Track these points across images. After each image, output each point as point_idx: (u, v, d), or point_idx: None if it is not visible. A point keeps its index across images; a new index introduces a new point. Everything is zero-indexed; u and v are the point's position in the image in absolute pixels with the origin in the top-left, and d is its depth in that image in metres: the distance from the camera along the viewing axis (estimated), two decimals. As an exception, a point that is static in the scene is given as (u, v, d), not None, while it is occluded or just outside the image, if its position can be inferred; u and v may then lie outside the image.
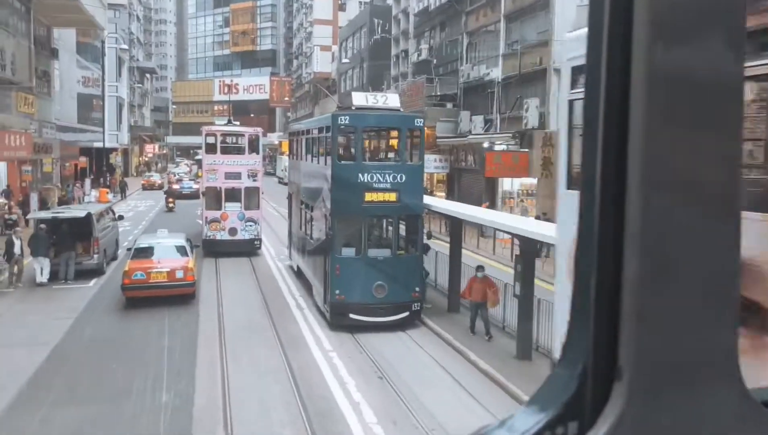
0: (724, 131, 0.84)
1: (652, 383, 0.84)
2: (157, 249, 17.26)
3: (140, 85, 75.46)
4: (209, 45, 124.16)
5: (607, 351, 0.85)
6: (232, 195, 22.85)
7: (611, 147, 0.83)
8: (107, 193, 41.52)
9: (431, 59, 38.92)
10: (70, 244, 19.26)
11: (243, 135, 24.13)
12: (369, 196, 14.32)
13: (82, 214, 19.37)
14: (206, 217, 23.17)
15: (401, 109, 15.39)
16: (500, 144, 29.67)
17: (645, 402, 0.84)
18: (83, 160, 39.45)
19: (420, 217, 15.01)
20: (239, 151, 23.91)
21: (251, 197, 23.19)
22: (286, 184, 57.66)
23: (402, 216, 14.89)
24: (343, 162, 14.74)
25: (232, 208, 22.80)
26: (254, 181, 23.20)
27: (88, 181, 38.31)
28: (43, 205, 28.91)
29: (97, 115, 54.08)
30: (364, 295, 14.40)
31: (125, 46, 51.24)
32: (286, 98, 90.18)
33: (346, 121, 14.29)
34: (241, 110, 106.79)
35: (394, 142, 16.46)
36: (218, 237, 22.81)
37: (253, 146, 23.76)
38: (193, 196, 42.54)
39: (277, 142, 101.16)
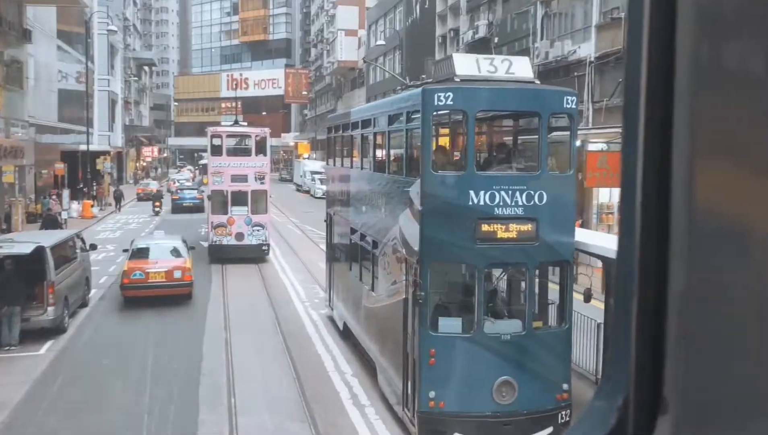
0: None
1: (701, 417, 0.78)
2: (154, 249, 18.09)
3: (137, 79, 70.99)
4: (215, 35, 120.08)
5: (651, 381, 0.81)
6: (239, 198, 22.72)
7: (653, 154, 0.79)
8: (92, 206, 36.57)
9: (490, 37, 33.57)
10: (13, 292, 14.11)
11: (250, 136, 24.09)
12: (487, 230, 8.96)
13: (27, 249, 14.25)
14: (212, 222, 22.98)
15: (537, 81, 9.99)
16: (595, 142, 24.23)
17: None
18: (60, 167, 34.53)
19: (570, 265, 9.58)
20: (246, 152, 23.70)
21: (259, 201, 23.06)
22: (306, 192, 53.07)
23: (541, 263, 9.51)
24: (441, 172, 9.37)
25: (238, 213, 22.74)
26: (262, 183, 23.06)
27: (66, 193, 33.39)
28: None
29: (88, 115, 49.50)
30: (478, 400, 9.04)
31: (114, 28, 46.48)
32: (304, 92, 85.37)
33: (450, 101, 8.90)
34: (251, 107, 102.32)
35: (514, 136, 11.12)
36: (225, 242, 22.68)
37: (261, 147, 23.69)
38: (196, 208, 37.61)
39: (292, 144, 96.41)
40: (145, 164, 75.10)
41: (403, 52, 40.76)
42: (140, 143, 71.04)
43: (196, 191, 41.22)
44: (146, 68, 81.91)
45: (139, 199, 46.28)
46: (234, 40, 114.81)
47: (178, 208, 38.27)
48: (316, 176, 51.11)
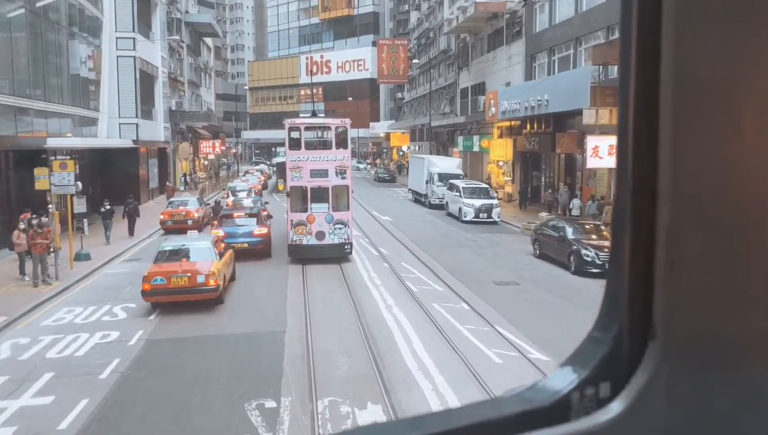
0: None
1: (687, 343, 0.80)
2: (182, 253, 15.52)
3: (190, 48, 50.42)
4: (293, 14, 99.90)
5: (643, 311, 0.83)
6: (319, 195, 20.03)
7: (643, 131, 0.84)
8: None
9: None
10: None
11: (329, 128, 20.93)
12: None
13: None
14: (291, 220, 19.94)
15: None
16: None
17: (679, 362, 0.80)
18: None
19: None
20: (325, 145, 20.61)
21: (340, 197, 20.29)
22: (437, 207, 32.19)
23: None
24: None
25: (319, 210, 19.94)
26: (343, 178, 20.21)
27: None
28: None
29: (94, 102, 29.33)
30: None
31: None
32: (402, 68, 63.29)
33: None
34: (335, 93, 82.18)
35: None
36: (305, 242, 19.84)
37: (341, 140, 20.60)
38: (255, 253, 20.36)
39: (382, 135, 75.23)
40: (206, 163, 55.05)
41: None
42: (197, 136, 50.74)
43: (255, 221, 21.14)
44: (209, 44, 61.71)
45: (166, 230, 25.38)
46: (313, 18, 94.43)
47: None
48: (461, 184, 29.34)
